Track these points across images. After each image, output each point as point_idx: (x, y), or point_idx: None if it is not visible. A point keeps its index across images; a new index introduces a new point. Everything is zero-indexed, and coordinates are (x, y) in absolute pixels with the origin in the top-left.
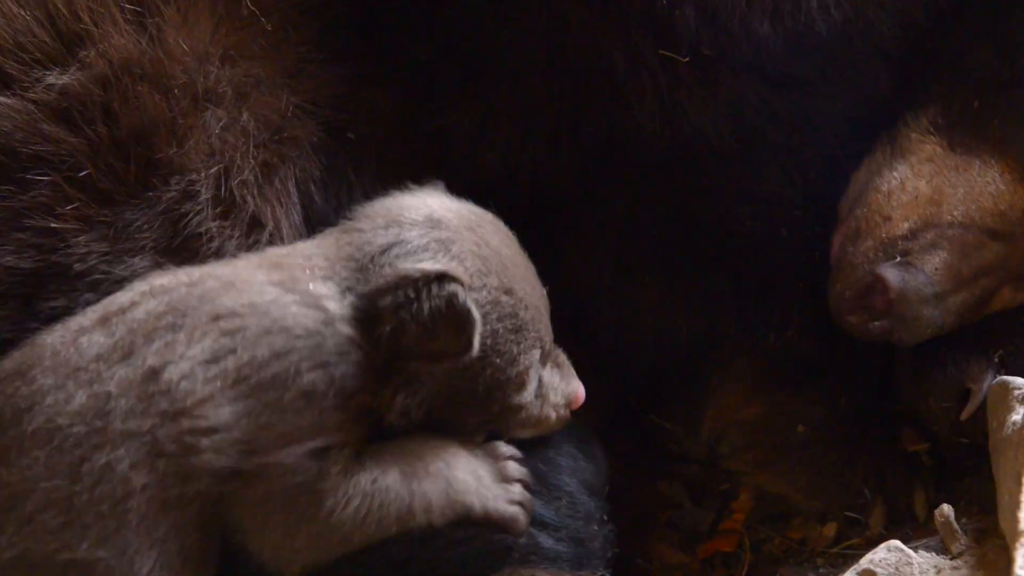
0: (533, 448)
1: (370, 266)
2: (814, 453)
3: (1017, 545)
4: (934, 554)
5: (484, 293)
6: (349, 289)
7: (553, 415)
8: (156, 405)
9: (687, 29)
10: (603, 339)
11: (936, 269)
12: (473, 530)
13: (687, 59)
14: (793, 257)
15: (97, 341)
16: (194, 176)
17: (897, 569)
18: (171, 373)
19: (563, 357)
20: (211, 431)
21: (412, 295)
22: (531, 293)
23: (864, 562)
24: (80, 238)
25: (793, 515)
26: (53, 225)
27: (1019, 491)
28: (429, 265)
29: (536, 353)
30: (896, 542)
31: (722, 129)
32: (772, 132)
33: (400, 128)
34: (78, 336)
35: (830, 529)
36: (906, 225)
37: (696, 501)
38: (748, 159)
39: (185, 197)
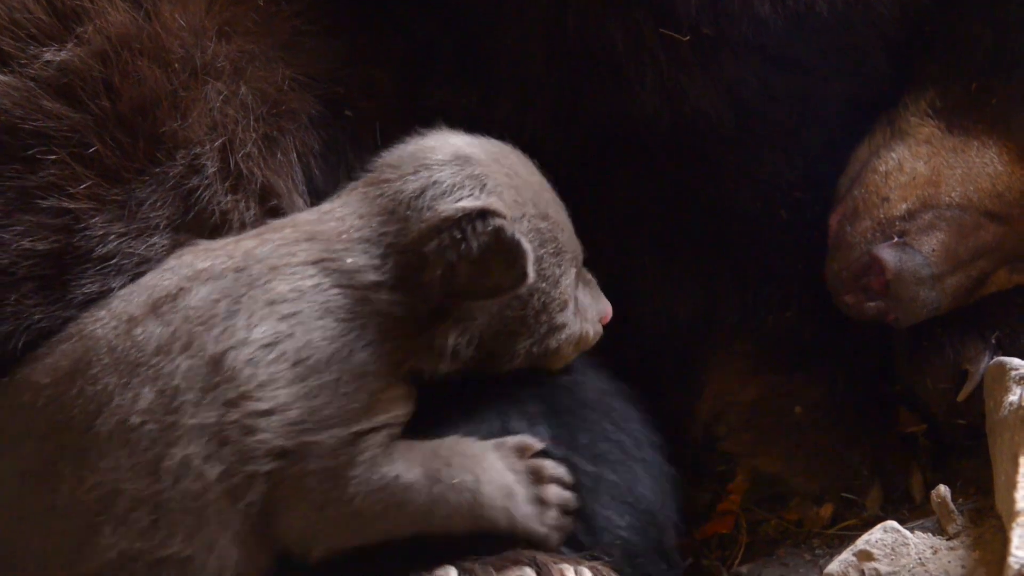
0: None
1: (408, 214)
2: (811, 434)
3: (1013, 525)
4: (930, 535)
5: (525, 223)
6: (391, 245)
7: (591, 331)
8: (222, 394)
9: (687, 8)
10: None
11: (933, 250)
12: (496, 540)
13: (687, 38)
14: (792, 239)
15: (153, 332)
16: (199, 149)
17: (893, 550)
18: (233, 359)
19: (589, 275)
20: (269, 413)
21: (458, 235)
22: (561, 215)
23: (860, 543)
24: (96, 219)
25: (790, 496)
26: (66, 205)
27: (1015, 471)
28: (469, 203)
29: (573, 272)
30: (893, 523)
31: (722, 110)
32: (772, 113)
33: (398, 104)
34: (131, 328)
35: (827, 510)
36: (904, 206)
37: (692, 483)
38: (748, 140)
39: (192, 171)
